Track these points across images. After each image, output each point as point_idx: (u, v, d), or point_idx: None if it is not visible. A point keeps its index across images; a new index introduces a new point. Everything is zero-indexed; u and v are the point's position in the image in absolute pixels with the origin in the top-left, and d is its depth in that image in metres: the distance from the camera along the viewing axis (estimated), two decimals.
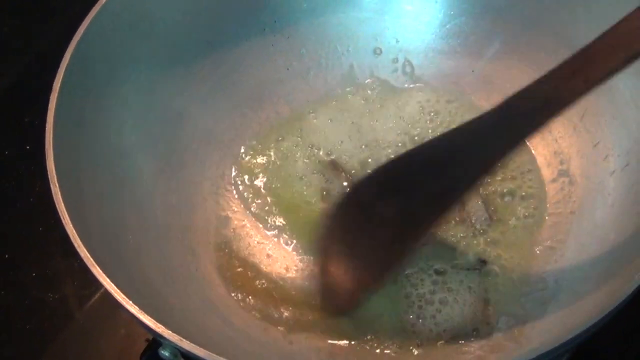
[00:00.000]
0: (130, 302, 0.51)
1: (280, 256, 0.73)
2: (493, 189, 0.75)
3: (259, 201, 0.77)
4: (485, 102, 0.79)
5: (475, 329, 0.65)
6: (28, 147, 0.86)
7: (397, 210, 0.67)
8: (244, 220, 0.76)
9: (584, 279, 0.63)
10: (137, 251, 0.65)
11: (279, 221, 0.75)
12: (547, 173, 0.75)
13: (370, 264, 0.69)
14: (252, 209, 0.76)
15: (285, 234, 0.75)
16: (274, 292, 0.70)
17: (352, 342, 0.66)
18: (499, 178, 0.75)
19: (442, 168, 0.65)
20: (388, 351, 0.66)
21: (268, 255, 0.73)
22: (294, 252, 0.73)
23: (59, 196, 0.56)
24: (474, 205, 0.73)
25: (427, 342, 0.65)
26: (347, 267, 0.70)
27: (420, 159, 0.68)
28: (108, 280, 0.52)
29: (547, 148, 0.76)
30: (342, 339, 0.67)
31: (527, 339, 0.62)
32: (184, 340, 0.49)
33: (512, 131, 0.61)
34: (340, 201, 0.72)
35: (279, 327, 0.68)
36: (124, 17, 0.69)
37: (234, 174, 0.78)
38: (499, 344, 0.63)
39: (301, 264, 0.72)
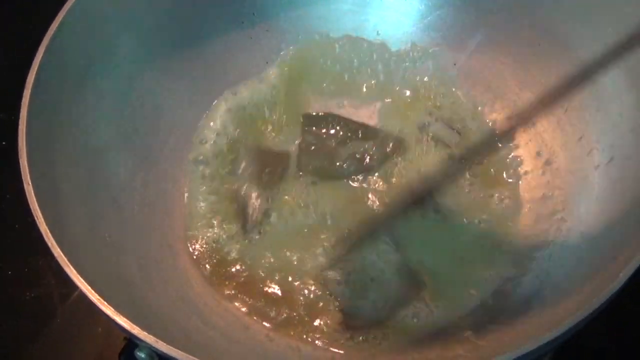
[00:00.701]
0: (105, 302, 0.51)
1: (261, 250, 0.72)
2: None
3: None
4: (467, 94, 0.79)
5: (456, 328, 0.65)
6: (4, 143, 0.84)
7: None
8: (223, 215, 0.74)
9: (568, 276, 0.63)
10: (114, 248, 0.64)
11: (259, 215, 0.74)
12: (531, 167, 0.75)
13: None
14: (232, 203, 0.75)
15: (266, 227, 0.74)
16: (254, 288, 0.70)
17: (333, 341, 0.66)
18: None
19: None
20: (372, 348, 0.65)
21: (248, 249, 0.72)
22: (275, 245, 0.72)
23: (32, 194, 0.55)
24: None
25: (410, 345, 0.65)
26: None
27: None
28: (82, 280, 0.52)
29: (531, 142, 0.76)
30: (323, 337, 0.66)
31: (509, 337, 0.62)
32: (160, 341, 0.49)
33: None
34: None
35: (263, 323, 0.67)
36: (99, 11, 0.68)
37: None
38: (481, 344, 0.63)
39: (282, 259, 0.71)
